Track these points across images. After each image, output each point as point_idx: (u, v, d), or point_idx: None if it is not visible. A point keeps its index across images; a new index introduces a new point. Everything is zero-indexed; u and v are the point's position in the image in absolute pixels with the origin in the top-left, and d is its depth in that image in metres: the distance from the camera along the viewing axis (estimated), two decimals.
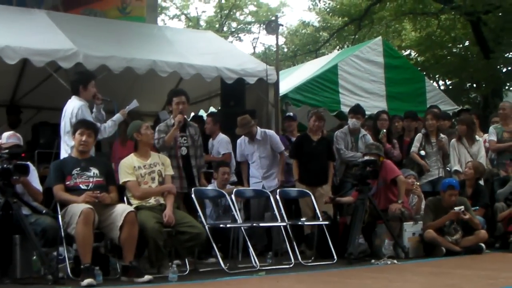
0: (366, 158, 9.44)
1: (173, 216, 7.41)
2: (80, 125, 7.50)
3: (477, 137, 10.99)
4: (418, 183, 10.08)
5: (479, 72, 19.18)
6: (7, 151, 6.98)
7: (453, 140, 10.89)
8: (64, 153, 7.90)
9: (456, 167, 10.74)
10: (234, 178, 10.37)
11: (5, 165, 6.70)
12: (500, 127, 11.23)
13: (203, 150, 9.54)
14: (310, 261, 8.79)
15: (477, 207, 9.94)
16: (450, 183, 9.47)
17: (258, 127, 10.35)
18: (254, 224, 9.16)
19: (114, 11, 14.03)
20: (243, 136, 10.33)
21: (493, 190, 10.74)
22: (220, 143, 10.45)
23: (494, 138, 11.13)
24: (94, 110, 8.43)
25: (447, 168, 10.95)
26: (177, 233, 7.44)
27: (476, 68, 19.51)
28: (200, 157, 9.22)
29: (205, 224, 8.06)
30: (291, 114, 11.40)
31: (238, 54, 12.48)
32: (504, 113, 11.28)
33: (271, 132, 10.46)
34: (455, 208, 9.18)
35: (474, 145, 10.83)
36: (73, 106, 8.00)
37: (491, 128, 11.31)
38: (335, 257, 8.74)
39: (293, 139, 10.74)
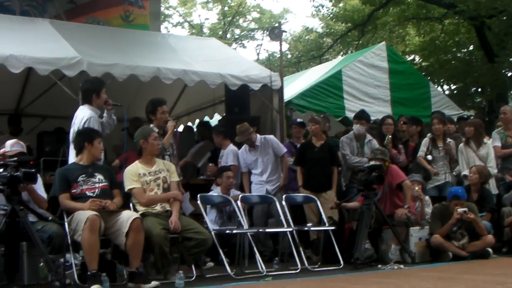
0: (372, 163, 9.43)
1: (179, 223, 7.41)
2: None
3: (485, 139, 10.88)
4: (417, 188, 9.95)
5: (483, 77, 19.12)
6: (15, 159, 6.95)
7: (461, 145, 10.83)
8: (72, 159, 7.84)
9: (465, 171, 10.63)
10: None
11: (13, 173, 6.68)
12: (503, 132, 11.18)
13: (213, 161, 9.69)
14: (316, 266, 8.79)
15: (484, 213, 9.91)
16: (455, 193, 9.43)
17: (258, 134, 10.35)
18: (260, 230, 9.16)
19: (117, 20, 14.02)
20: (244, 146, 10.37)
21: (499, 195, 10.70)
22: (228, 154, 10.46)
23: (498, 143, 11.04)
24: (104, 115, 8.37)
25: (454, 173, 10.89)
26: (183, 239, 7.44)
27: (480, 72, 19.44)
28: (176, 165, 9.25)
29: (211, 230, 8.06)
30: (301, 120, 11.29)
31: (242, 61, 12.48)
32: (505, 117, 11.22)
33: (270, 136, 10.48)
34: (458, 209, 9.16)
35: (482, 147, 10.72)
36: (84, 115, 7.96)
37: (494, 134, 11.24)
38: (342, 262, 8.73)
39: (298, 145, 10.72)
